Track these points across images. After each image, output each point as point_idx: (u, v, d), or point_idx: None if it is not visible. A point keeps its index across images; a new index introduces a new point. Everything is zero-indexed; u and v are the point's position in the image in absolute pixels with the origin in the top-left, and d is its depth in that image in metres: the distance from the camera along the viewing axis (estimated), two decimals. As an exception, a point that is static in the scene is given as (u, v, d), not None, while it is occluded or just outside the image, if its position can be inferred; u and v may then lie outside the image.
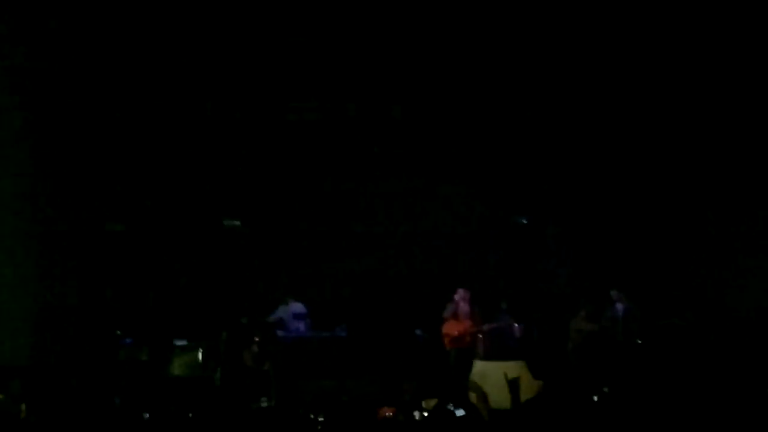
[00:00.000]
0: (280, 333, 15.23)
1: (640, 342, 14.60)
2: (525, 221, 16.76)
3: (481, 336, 14.56)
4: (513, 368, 13.65)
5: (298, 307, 15.48)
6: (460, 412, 8.90)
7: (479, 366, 14.18)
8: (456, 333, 14.48)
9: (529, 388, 13.05)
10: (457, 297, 14.69)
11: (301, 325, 15.36)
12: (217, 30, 15.90)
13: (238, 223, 16.67)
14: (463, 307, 14.59)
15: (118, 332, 14.83)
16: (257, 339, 14.79)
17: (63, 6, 15.30)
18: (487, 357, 14.60)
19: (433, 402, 11.82)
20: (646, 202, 16.28)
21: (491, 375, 13.77)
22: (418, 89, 16.40)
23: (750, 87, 15.65)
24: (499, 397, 13.25)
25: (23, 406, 12.56)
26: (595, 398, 10.77)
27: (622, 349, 14.45)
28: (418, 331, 14.84)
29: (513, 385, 12.99)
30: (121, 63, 15.76)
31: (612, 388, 12.71)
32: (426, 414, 11.18)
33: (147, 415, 10.90)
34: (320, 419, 9.63)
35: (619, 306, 14.92)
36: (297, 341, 15.16)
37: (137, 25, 15.62)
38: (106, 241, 16.21)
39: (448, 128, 16.52)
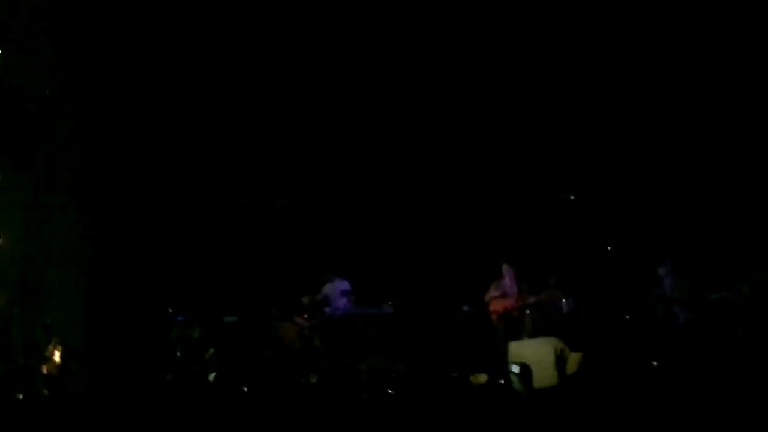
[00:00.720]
0: (327, 310, 15.38)
1: (689, 317, 14.49)
2: (572, 197, 16.73)
3: (528, 311, 14.55)
4: (548, 344, 13.58)
5: (342, 284, 15.60)
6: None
7: (514, 347, 14.13)
8: (502, 309, 14.48)
9: (571, 362, 12.99)
10: (504, 273, 14.67)
11: (345, 302, 15.48)
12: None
13: (286, 202, 16.87)
14: (510, 283, 14.56)
15: (170, 310, 15.08)
16: (306, 316, 14.95)
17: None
18: (535, 332, 14.60)
19: (482, 377, 11.85)
20: (691, 176, 16.17)
21: (527, 354, 13.70)
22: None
23: None
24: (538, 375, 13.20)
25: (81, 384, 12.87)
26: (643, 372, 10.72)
27: (670, 325, 14.36)
28: (465, 307, 14.85)
29: (560, 361, 12.93)
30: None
31: (660, 362, 12.65)
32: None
33: (199, 391, 11.12)
34: (368, 396, 9.72)
35: (668, 281, 14.82)
36: (344, 318, 15.29)
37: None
38: (158, 219, 16.46)
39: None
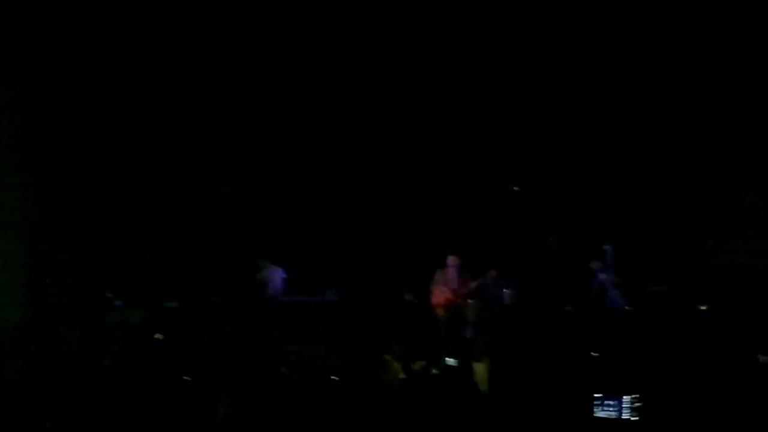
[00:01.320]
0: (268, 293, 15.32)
1: (628, 309, 14.65)
2: (517, 189, 16.81)
3: (470, 301, 14.57)
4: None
5: (278, 271, 15.54)
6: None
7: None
8: (444, 300, 14.48)
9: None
10: (448, 263, 14.65)
11: (279, 290, 15.40)
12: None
13: (229, 188, 16.74)
14: (454, 274, 14.57)
15: (109, 294, 14.88)
16: (245, 302, 14.88)
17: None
18: (477, 322, 14.65)
19: (421, 363, 11.88)
20: (632, 166, 16.37)
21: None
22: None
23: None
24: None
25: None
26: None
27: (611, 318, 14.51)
28: (408, 297, 14.83)
29: None
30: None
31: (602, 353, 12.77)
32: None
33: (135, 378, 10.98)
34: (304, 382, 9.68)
35: (602, 276, 14.97)
36: (284, 305, 15.22)
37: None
38: (99, 202, 16.23)
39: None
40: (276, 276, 15.46)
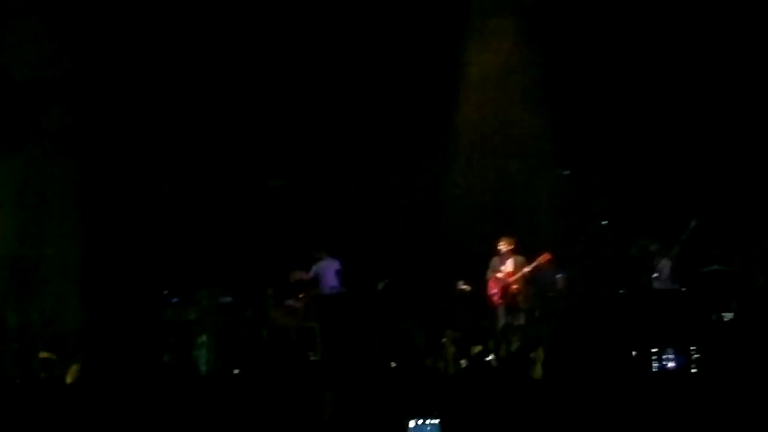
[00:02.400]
0: (321, 289, 15.38)
1: (684, 289, 14.50)
2: (567, 173, 16.70)
3: (525, 287, 14.47)
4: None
5: (333, 263, 15.62)
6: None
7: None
8: (499, 287, 14.38)
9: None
10: (501, 248, 14.56)
11: (335, 281, 15.48)
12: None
13: (281, 182, 16.84)
14: (507, 257, 14.46)
15: (165, 291, 15.05)
16: (301, 295, 14.96)
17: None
18: (532, 307, 14.62)
19: (478, 349, 11.90)
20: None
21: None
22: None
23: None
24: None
25: (75, 367, 12.80)
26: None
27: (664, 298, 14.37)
28: (461, 284, 14.79)
29: None
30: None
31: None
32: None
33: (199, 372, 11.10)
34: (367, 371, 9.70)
35: (658, 258, 14.83)
36: (338, 296, 15.30)
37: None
38: (154, 200, 16.43)
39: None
40: (331, 268, 15.54)
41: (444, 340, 13.37)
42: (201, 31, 15.89)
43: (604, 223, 16.06)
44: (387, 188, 16.81)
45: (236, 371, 10.59)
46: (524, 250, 14.64)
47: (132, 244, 15.91)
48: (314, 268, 15.50)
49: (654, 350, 9.86)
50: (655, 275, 14.68)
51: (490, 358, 11.18)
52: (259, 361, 13.10)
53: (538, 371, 9.52)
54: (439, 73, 16.51)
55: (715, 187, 16.26)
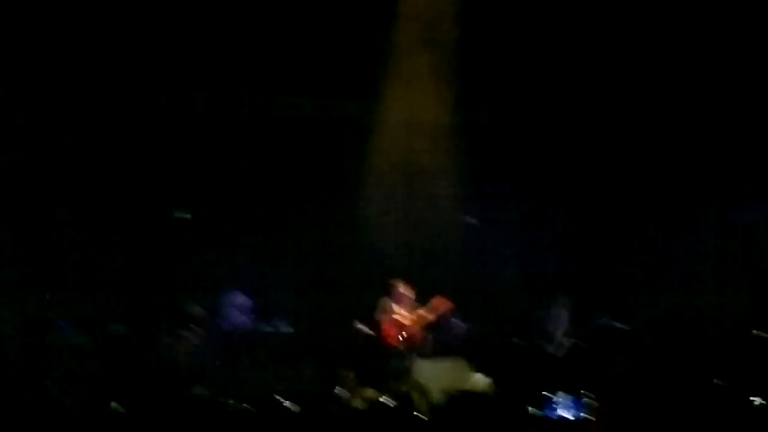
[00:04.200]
0: (221, 324, 15.08)
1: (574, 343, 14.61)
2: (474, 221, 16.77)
3: (426, 335, 14.37)
4: (456, 367, 13.49)
5: (240, 298, 15.33)
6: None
7: (422, 365, 13.98)
8: (397, 332, 14.16)
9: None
10: (397, 291, 14.34)
11: (242, 317, 15.20)
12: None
13: (188, 215, 16.52)
14: (403, 302, 14.27)
15: (54, 316, 14.57)
16: (196, 329, 14.66)
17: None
18: (429, 355, 14.53)
19: (370, 392, 11.71)
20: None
21: (433, 374, 13.57)
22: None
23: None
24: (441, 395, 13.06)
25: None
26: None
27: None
28: (358, 325, 14.61)
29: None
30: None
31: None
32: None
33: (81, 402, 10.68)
34: (254, 410, 9.48)
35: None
36: (238, 333, 15.02)
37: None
38: (51, 225, 15.96)
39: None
40: (235, 301, 15.26)
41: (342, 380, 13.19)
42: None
43: (509, 272, 16.17)
44: (284, 233, 16.54)
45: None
46: (421, 297, 14.45)
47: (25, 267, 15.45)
48: (220, 302, 15.23)
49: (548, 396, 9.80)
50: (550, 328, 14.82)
51: (382, 399, 11.00)
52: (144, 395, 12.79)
53: (427, 414, 9.43)
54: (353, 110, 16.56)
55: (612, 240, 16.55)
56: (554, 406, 9.86)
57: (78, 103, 15.86)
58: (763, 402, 8.10)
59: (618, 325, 14.90)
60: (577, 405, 9.50)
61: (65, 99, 15.77)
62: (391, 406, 9.93)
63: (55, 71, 15.57)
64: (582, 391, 9.55)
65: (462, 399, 9.92)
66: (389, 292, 14.32)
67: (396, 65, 15.97)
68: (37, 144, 15.69)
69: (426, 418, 9.07)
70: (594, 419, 8.04)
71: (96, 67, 15.72)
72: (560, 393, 9.93)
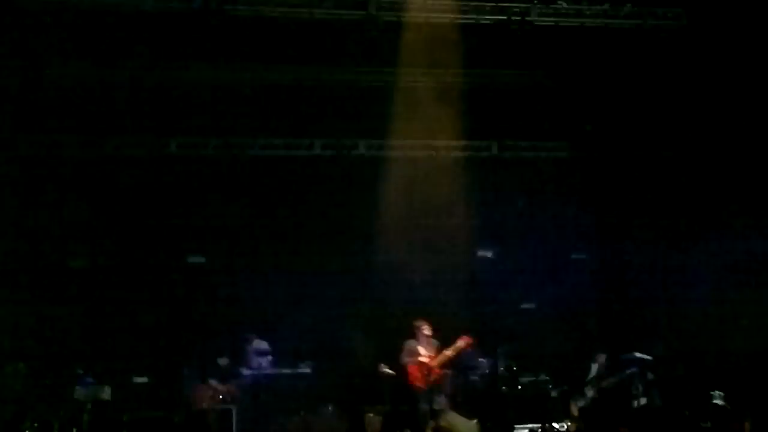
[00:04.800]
0: (243, 371, 15.08)
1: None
2: (490, 255, 16.76)
3: (447, 371, 14.31)
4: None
5: (261, 344, 15.35)
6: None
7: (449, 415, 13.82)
8: (420, 371, 14.01)
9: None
10: (420, 330, 14.21)
11: (263, 362, 15.21)
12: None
13: (202, 259, 16.54)
14: (425, 341, 14.17)
15: (80, 371, 14.57)
16: (219, 378, 14.68)
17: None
18: (454, 392, 14.48)
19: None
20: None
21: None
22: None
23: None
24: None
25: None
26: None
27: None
28: (382, 367, 14.55)
29: None
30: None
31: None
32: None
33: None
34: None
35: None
36: (260, 378, 15.02)
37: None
38: (67, 276, 16.01)
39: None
40: (255, 349, 15.31)
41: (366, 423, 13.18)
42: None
43: (525, 307, 16.13)
44: (307, 269, 16.56)
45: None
46: (443, 335, 14.36)
47: (44, 319, 15.47)
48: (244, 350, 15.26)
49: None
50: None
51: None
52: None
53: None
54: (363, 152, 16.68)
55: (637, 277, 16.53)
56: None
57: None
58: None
59: (642, 356, 14.82)
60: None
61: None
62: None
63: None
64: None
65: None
66: (413, 333, 14.25)
67: (402, 102, 16.02)
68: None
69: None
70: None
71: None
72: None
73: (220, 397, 14.50)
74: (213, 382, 14.64)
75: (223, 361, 14.88)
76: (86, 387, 14.30)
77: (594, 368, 14.96)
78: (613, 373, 14.63)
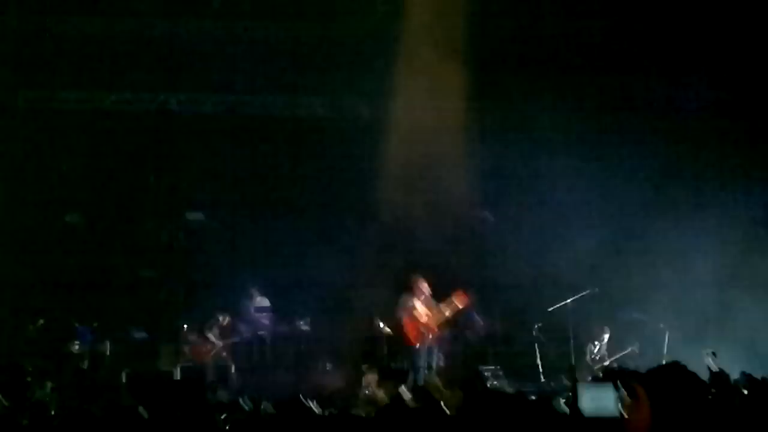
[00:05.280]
0: (242, 327, 15.16)
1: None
2: (492, 217, 16.74)
3: (445, 330, 14.32)
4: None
5: (263, 300, 15.43)
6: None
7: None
8: (417, 329, 13.93)
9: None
10: (418, 287, 14.16)
11: (263, 319, 15.30)
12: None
13: (201, 216, 16.59)
14: (423, 298, 14.11)
15: (77, 324, 14.66)
16: (216, 332, 14.76)
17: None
18: (452, 352, 14.54)
19: (392, 388, 11.74)
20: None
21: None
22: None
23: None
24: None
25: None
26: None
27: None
28: (378, 322, 14.59)
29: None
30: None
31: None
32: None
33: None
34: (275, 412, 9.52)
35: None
36: (258, 335, 15.12)
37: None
38: (66, 232, 16.09)
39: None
40: (255, 306, 15.39)
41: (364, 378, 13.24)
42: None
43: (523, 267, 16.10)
44: (307, 226, 16.58)
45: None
46: (440, 291, 14.34)
47: (47, 277, 15.55)
48: (242, 305, 15.32)
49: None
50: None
51: (408, 398, 11.01)
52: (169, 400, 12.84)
53: (453, 411, 9.43)
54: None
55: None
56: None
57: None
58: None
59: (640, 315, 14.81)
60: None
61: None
62: (412, 402, 10.01)
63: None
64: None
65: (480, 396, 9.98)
66: (410, 288, 14.18)
67: (406, 63, 15.94)
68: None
69: (448, 413, 9.11)
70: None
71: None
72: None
73: (219, 353, 14.59)
74: (211, 338, 14.74)
75: (222, 317, 14.94)
76: (85, 341, 14.45)
77: (595, 348, 14.87)
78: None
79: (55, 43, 15.62)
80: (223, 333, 15.01)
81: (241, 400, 10.21)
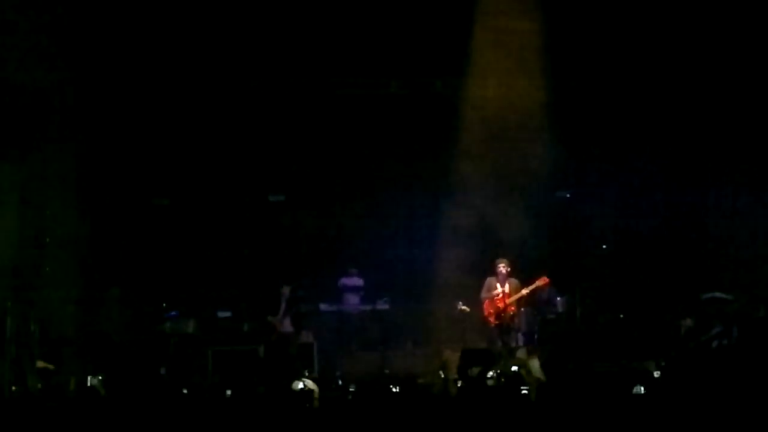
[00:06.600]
0: (323, 306, 15.40)
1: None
2: (568, 195, 16.71)
3: (522, 309, 14.40)
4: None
5: (355, 280, 15.67)
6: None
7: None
8: (495, 309, 14.12)
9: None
10: (498, 269, 14.32)
11: (354, 298, 15.55)
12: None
13: (282, 197, 16.85)
14: (503, 279, 14.25)
15: (164, 305, 15.04)
16: (301, 312, 14.95)
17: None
18: (528, 330, 14.58)
19: (474, 370, 11.85)
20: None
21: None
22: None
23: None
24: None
25: (72, 379, 12.80)
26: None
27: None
28: (460, 305, 14.71)
29: None
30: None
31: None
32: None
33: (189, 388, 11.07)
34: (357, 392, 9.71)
35: None
36: (340, 314, 15.33)
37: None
38: (152, 215, 16.45)
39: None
40: (347, 284, 15.64)
41: (443, 359, 13.37)
42: (202, 42, 15.86)
43: (604, 247, 16.06)
44: (386, 211, 16.71)
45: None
46: (522, 273, 14.46)
47: (132, 256, 15.93)
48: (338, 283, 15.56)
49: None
50: None
51: (488, 377, 11.16)
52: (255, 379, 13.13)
53: (533, 393, 9.52)
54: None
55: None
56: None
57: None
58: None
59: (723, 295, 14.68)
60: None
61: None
62: (495, 384, 10.13)
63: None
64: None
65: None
66: (492, 270, 14.33)
67: (483, 39, 15.92)
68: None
69: (532, 396, 9.22)
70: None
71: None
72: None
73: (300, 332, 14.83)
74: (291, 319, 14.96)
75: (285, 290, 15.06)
76: (172, 321, 14.83)
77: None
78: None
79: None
80: (304, 313, 15.17)
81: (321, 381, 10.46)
